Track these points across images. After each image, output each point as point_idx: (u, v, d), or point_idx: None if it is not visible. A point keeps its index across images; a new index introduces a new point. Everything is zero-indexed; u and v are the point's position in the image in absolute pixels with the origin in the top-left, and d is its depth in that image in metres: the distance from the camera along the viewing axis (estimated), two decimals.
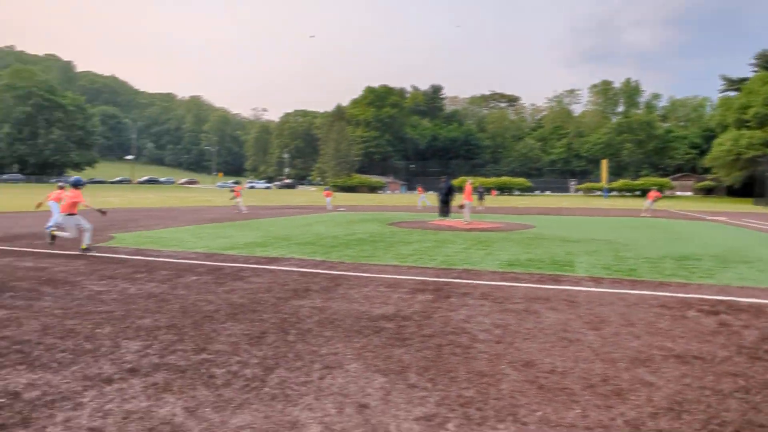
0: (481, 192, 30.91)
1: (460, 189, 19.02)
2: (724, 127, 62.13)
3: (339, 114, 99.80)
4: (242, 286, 6.11)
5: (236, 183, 66.75)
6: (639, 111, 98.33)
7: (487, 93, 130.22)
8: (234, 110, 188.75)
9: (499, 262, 8.12)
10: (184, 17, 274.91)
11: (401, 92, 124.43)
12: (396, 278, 6.71)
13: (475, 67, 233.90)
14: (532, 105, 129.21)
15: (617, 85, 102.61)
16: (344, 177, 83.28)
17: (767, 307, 5.32)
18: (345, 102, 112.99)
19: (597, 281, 6.60)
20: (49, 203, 13.74)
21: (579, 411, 2.76)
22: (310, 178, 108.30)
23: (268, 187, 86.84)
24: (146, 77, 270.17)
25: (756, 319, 4.80)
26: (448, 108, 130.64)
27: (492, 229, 14.93)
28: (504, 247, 10.15)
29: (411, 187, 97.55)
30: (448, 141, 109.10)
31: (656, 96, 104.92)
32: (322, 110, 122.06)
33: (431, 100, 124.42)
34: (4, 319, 4.51)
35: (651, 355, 3.69)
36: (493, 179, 74.66)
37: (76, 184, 9.28)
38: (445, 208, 18.44)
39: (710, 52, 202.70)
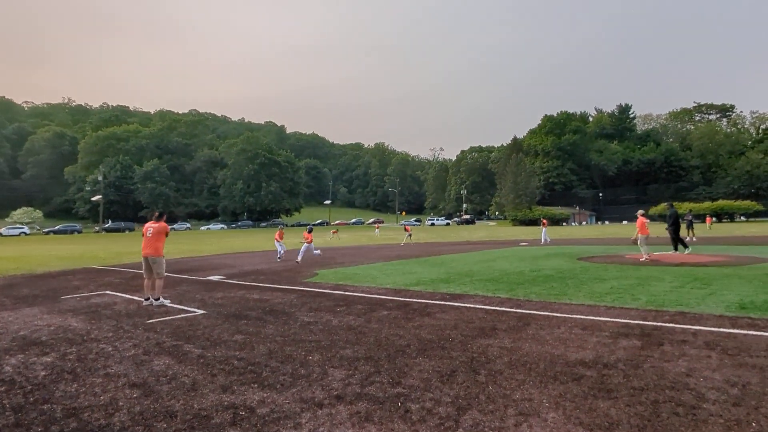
0: (690, 220, 26.40)
1: (671, 217, 15.89)
2: None
3: (516, 146, 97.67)
4: (430, 322, 6.26)
5: (378, 221, 73.12)
6: None
7: (691, 106, 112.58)
8: (413, 152, 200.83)
9: (727, 304, 6.73)
10: (363, 80, 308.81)
11: (583, 117, 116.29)
12: (592, 319, 6.09)
13: (670, 79, 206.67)
14: (754, 113, 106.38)
15: None
16: (524, 210, 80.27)
17: None
18: (521, 134, 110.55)
19: None
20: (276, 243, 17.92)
21: None
22: (488, 212, 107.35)
23: (447, 224, 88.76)
24: (339, 131, 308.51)
25: None
26: (640, 128, 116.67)
27: (711, 263, 12.54)
28: (731, 286, 8.40)
29: (600, 218, 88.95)
30: (642, 164, 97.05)
31: None
32: (497, 145, 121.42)
33: (619, 122, 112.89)
34: (241, 342, 5.44)
35: None
36: (706, 204, 63.29)
37: None
38: (676, 239, 15.80)
39: None
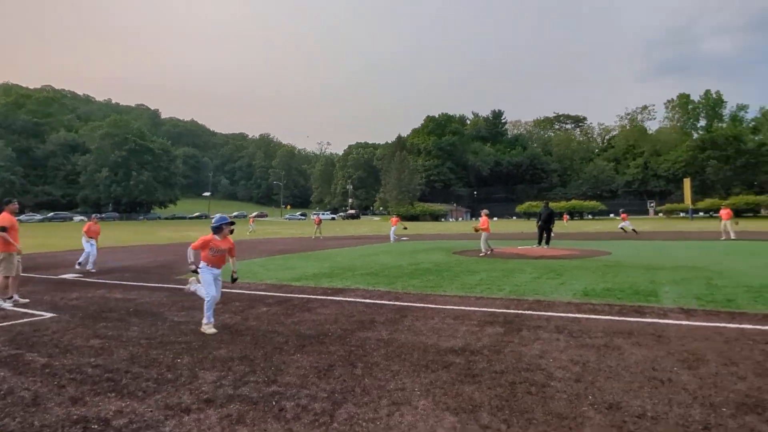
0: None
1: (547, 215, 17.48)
2: None
3: (400, 144, 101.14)
4: (310, 317, 6.21)
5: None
6: (723, 125, 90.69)
7: (552, 115, 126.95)
8: (300, 145, 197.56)
9: (574, 292, 7.68)
10: (252, 68, 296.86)
11: (461, 119, 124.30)
12: (463, 309, 6.54)
13: (537, 90, 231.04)
14: (601, 125, 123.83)
15: (697, 98, 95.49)
16: (407, 206, 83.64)
17: None
18: (405, 132, 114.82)
19: (688, 313, 6.03)
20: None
21: None
22: (373, 208, 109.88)
23: (332, 218, 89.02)
24: (220, 119, 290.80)
25: None
26: (511, 133, 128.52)
27: (564, 256, 14.25)
28: (578, 276, 9.62)
29: (474, 214, 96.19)
30: (511, 166, 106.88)
31: (742, 107, 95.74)
32: (382, 142, 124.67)
33: (492, 126, 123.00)
34: (98, 347, 4.87)
35: (762, 401, 3.27)
36: (562, 203, 71.77)
37: None
38: (543, 235, 17.52)
39: None
